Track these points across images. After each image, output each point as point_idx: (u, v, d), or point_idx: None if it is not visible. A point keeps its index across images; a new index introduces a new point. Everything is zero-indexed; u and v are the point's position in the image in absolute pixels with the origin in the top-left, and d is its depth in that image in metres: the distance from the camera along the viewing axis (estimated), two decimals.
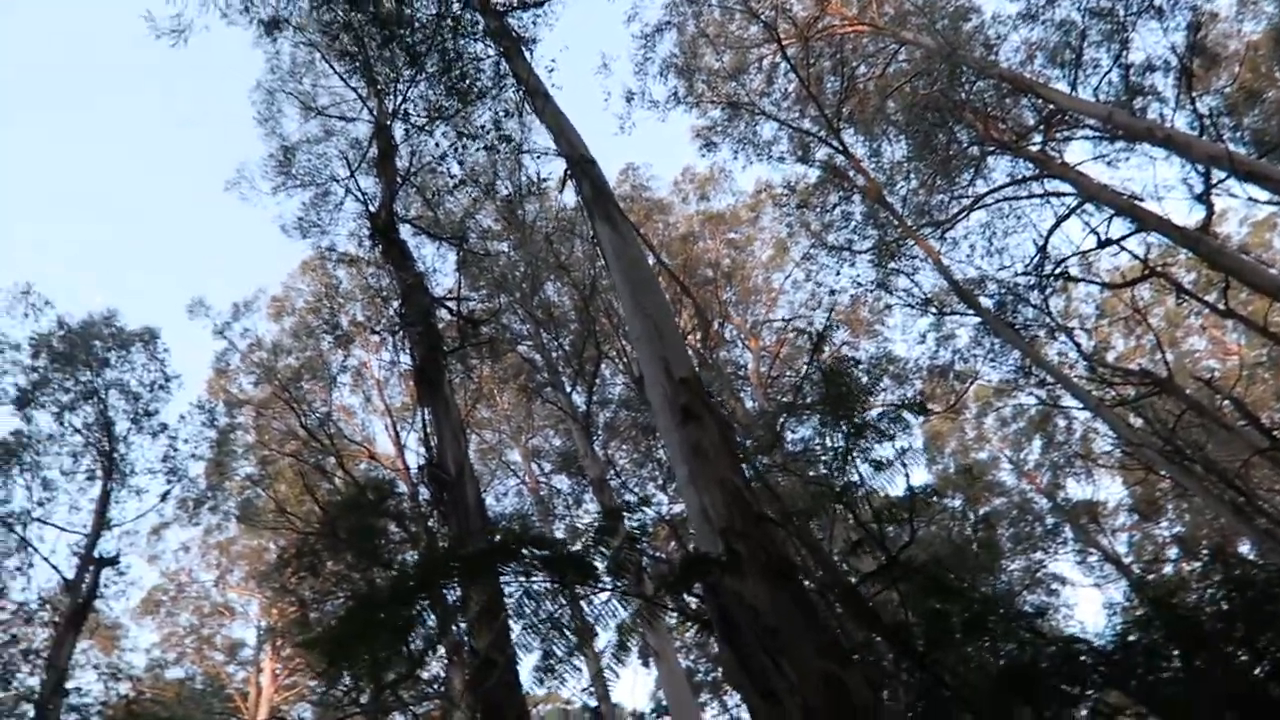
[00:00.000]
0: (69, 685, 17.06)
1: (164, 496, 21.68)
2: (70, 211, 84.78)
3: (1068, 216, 18.73)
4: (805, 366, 20.26)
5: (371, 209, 17.16)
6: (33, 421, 21.11)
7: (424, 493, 17.86)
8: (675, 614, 5.01)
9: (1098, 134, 18.60)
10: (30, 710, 17.33)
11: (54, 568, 19.31)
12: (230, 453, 23.50)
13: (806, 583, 4.85)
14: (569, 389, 21.42)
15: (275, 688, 26.62)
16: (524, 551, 4.20)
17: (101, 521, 19.68)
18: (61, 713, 16.98)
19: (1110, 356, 27.04)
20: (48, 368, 21.44)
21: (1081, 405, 21.31)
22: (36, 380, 21.29)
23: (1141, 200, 16.77)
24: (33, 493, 20.37)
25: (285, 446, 22.89)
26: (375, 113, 16.82)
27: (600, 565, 4.50)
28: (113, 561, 18.38)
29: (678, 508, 21.45)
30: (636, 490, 23.63)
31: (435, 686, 16.94)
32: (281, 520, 21.54)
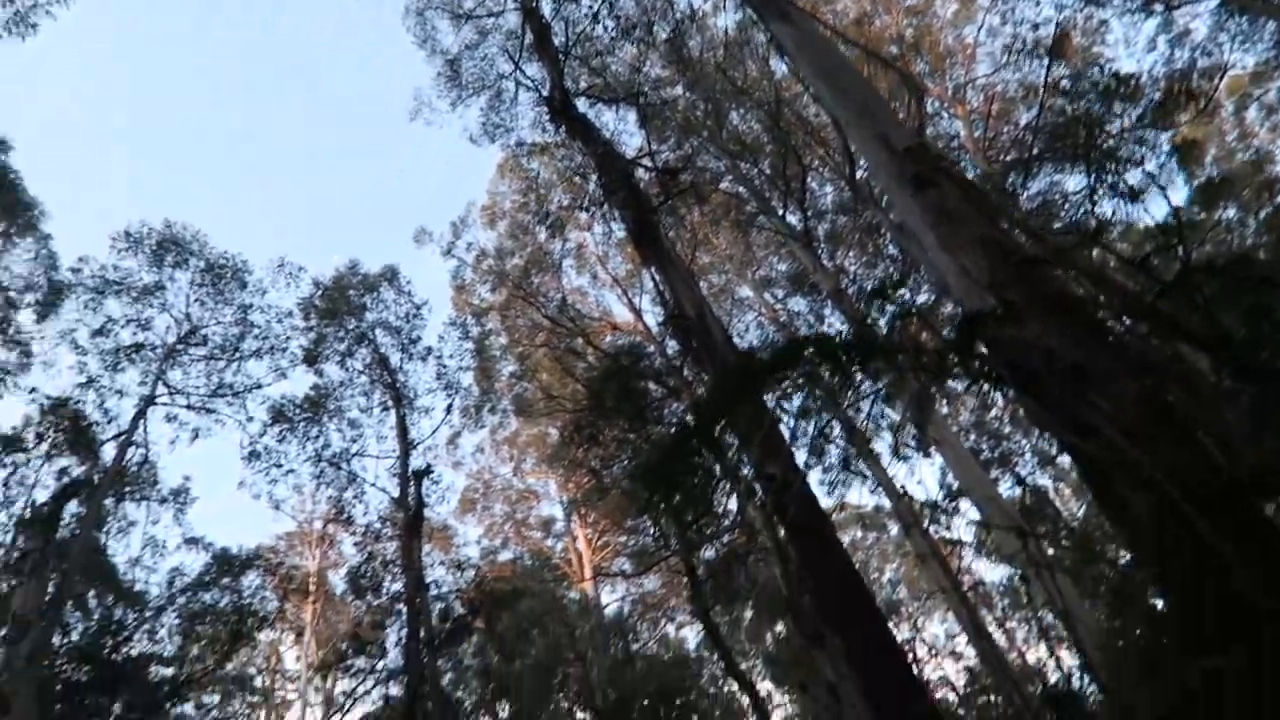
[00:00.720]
0: (427, 581, 19.69)
1: (448, 410, 23.89)
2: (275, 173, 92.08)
3: None
4: (1037, 107, 18.65)
5: (544, 93, 17.37)
6: (323, 374, 23.86)
7: (672, 346, 18.50)
8: (963, 380, 4.94)
9: None
10: (403, 608, 20.15)
11: (382, 490, 22.16)
12: (490, 357, 25.34)
13: (1097, 313, 4.60)
14: (781, 211, 21.06)
15: (591, 550, 29.35)
16: (807, 350, 4.27)
17: (406, 444, 22.06)
18: (427, 605, 19.61)
19: None
20: (319, 325, 23.94)
21: None
22: (315, 338, 23.89)
23: None
24: (345, 434, 23.19)
25: (536, 339, 24.39)
26: None
27: (876, 345, 4.50)
28: (427, 473, 20.66)
29: (920, 298, 20.85)
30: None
31: (733, 519, 17.86)
32: (552, 405, 23.18)
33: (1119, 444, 3.68)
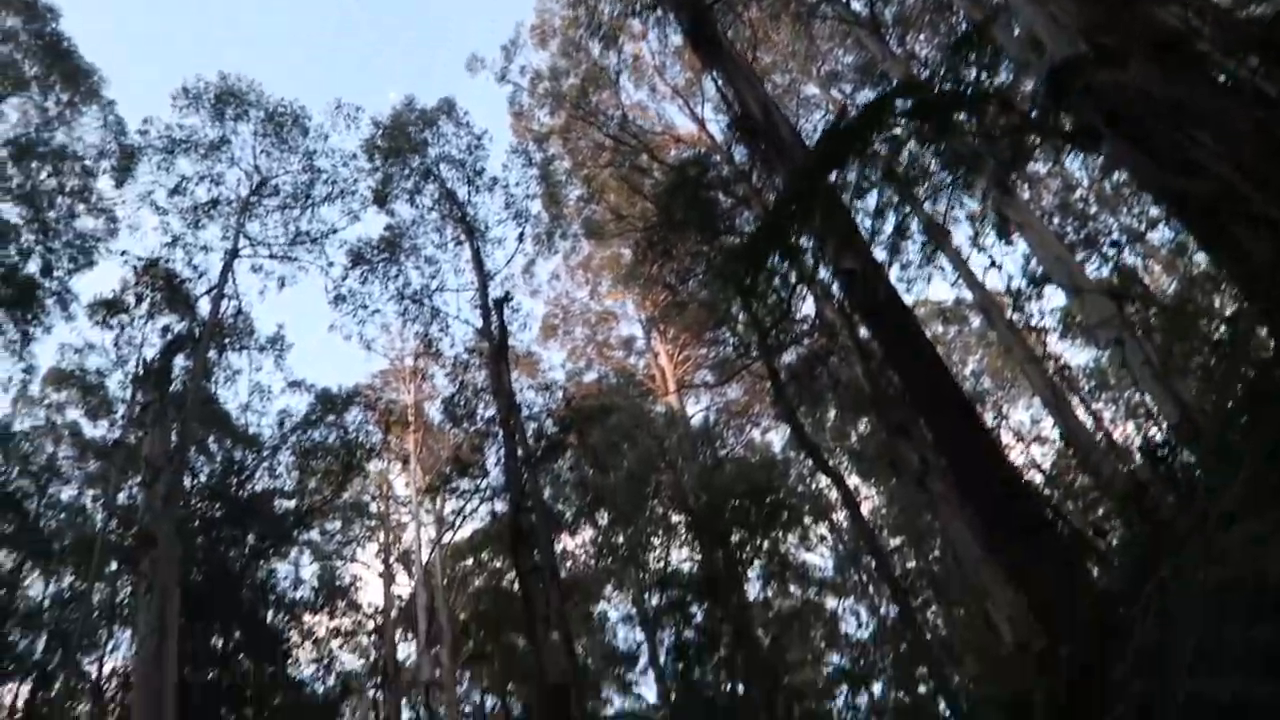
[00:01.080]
0: (518, 404, 20.37)
1: (520, 238, 23.94)
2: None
3: None
4: None
5: None
6: (395, 214, 24.07)
7: (739, 153, 18.05)
8: (1050, 142, 4.73)
9: None
10: (499, 431, 21.03)
11: (466, 322, 22.74)
12: (556, 182, 25.08)
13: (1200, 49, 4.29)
14: None
15: (673, 364, 29.89)
16: (894, 104, 4.11)
17: (483, 275, 22.31)
18: (521, 426, 20.40)
19: None
20: (384, 165, 23.93)
21: None
22: (382, 179, 23.96)
23: None
24: (423, 271, 23.59)
25: (599, 160, 24.00)
26: None
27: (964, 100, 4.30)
28: (506, 300, 20.92)
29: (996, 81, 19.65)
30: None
31: (812, 322, 17.88)
32: (622, 224, 23.09)
33: (1230, 180, 3.51)
